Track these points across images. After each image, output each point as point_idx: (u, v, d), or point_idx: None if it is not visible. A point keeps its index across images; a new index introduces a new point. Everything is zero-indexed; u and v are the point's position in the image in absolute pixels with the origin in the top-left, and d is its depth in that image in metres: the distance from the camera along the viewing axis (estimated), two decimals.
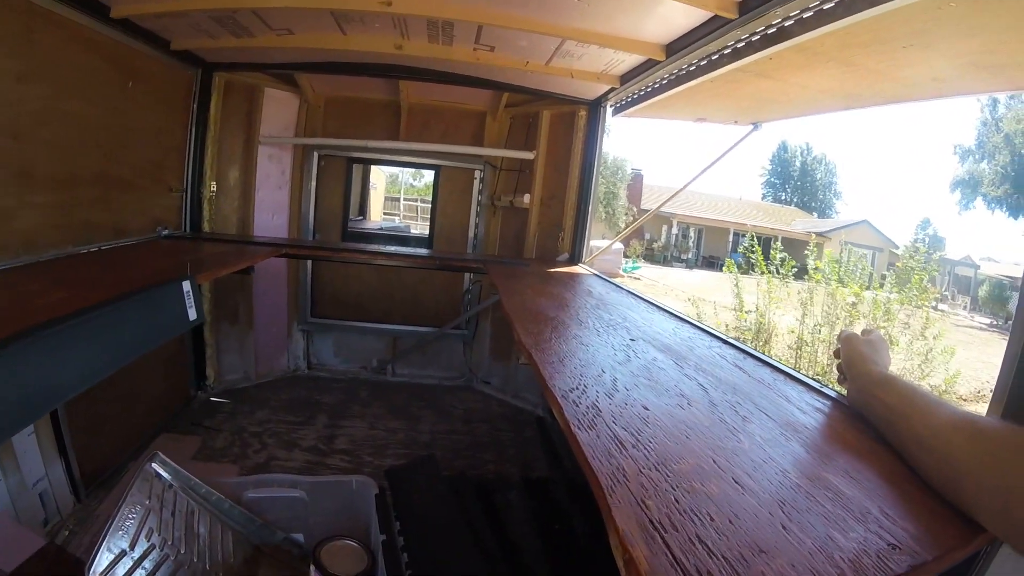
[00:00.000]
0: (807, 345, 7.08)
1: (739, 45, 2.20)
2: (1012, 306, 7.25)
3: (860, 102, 2.76)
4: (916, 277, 6.97)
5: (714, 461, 0.95)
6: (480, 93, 3.96)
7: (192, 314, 2.08)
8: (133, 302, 1.76)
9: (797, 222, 34.36)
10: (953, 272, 30.52)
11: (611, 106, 3.67)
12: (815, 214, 42.66)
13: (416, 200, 18.30)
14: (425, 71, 3.40)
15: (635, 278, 18.67)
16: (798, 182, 47.75)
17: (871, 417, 1.14)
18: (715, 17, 2.09)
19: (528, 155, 4.03)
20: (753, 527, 0.75)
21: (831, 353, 1.51)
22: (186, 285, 2.05)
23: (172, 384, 3.65)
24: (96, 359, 1.56)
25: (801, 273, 7.92)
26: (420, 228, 11.85)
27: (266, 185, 4.12)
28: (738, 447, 1.02)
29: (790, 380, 1.52)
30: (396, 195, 17.29)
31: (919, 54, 2.00)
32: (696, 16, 2.19)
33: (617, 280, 3.51)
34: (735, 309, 8.12)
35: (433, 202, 4.55)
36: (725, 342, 1.94)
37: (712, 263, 30.33)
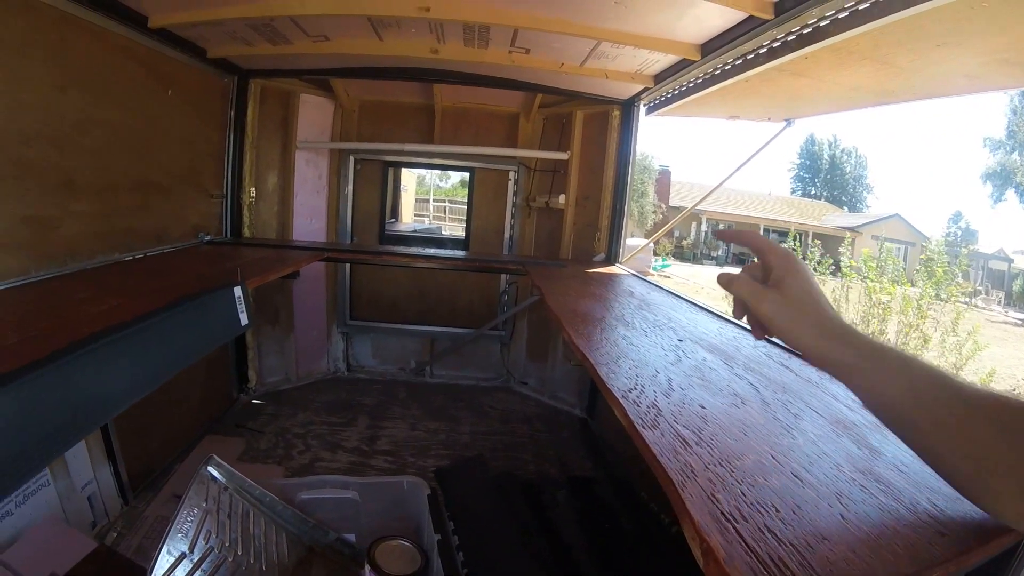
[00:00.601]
0: None
1: (774, 45, 2.19)
2: None
3: (892, 98, 2.74)
4: (939, 269, 6.85)
5: (772, 457, 0.97)
6: (513, 94, 3.97)
7: (243, 319, 2.11)
8: (187, 308, 1.78)
9: (827, 217, 33.92)
10: (986, 266, 30.00)
11: (644, 105, 3.66)
12: (845, 208, 42.01)
13: (444, 201, 18.36)
14: (459, 74, 3.41)
15: (665, 276, 18.52)
16: (827, 175, 47.09)
17: (846, 382, 0.82)
18: (750, 18, 2.08)
19: (562, 156, 4.04)
20: (814, 517, 0.79)
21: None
22: (237, 290, 2.09)
23: (215, 387, 3.71)
24: (153, 366, 1.58)
25: (834, 269, 7.86)
26: (450, 229, 11.91)
27: (304, 189, 4.17)
28: (793, 444, 1.05)
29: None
30: (425, 196, 17.36)
31: (951, 51, 1.98)
32: (731, 16, 2.18)
33: (637, 272, 3.52)
34: None
35: (469, 204, 4.57)
36: (770, 342, 1.94)
37: (742, 260, 30.05)
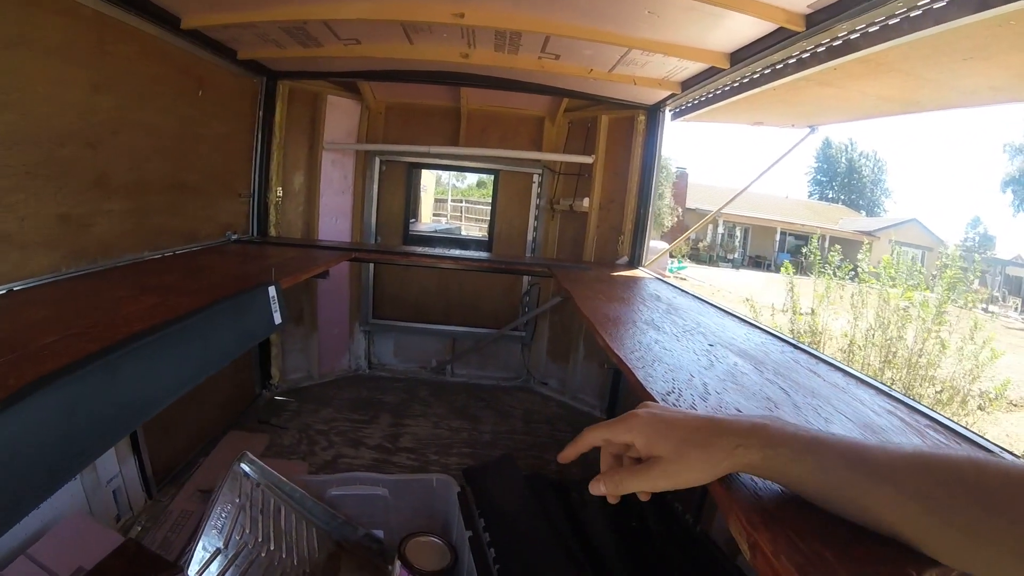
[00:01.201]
0: (860, 349, 6.96)
1: (804, 56, 2.21)
2: None
3: (917, 108, 2.74)
4: (947, 273, 6.79)
5: None
6: (539, 98, 3.98)
7: (277, 318, 2.15)
8: (224, 308, 1.81)
9: (844, 220, 33.67)
10: (1004, 272, 29.74)
11: (670, 111, 3.67)
12: (863, 212, 41.72)
13: (461, 201, 18.40)
14: (487, 78, 3.43)
15: (681, 278, 18.48)
16: (845, 179, 46.72)
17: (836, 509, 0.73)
18: (781, 29, 2.09)
19: (587, 159, 4.06)
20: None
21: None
22: (272, 290, 2.13)
23: (239, 383, 3.76)
24: (193, 365, 1.61)
25: (852, 273, 7.82)
26: (466, 229, 11.93)
27: (329, 190, 4.21)
28: None
29: (861, 384, 1.56)
30: (443, 196, 17.40)
31: (979, 65, 2.00)
32: (762, 28, 2.19)
33: (661, 276, 3.54)
34: (786, 310, 7.99)
35: (493, 206, 4.59)
36: (796, 347, 1.96)
37: (758, 263, 29.99)
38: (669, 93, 3.28)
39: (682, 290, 3.02)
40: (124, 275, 2.27)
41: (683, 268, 22.03)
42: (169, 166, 2.81)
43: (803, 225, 29.81)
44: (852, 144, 47.13)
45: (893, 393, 1.47)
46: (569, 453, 0.92)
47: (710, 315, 2.41)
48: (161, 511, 2.53)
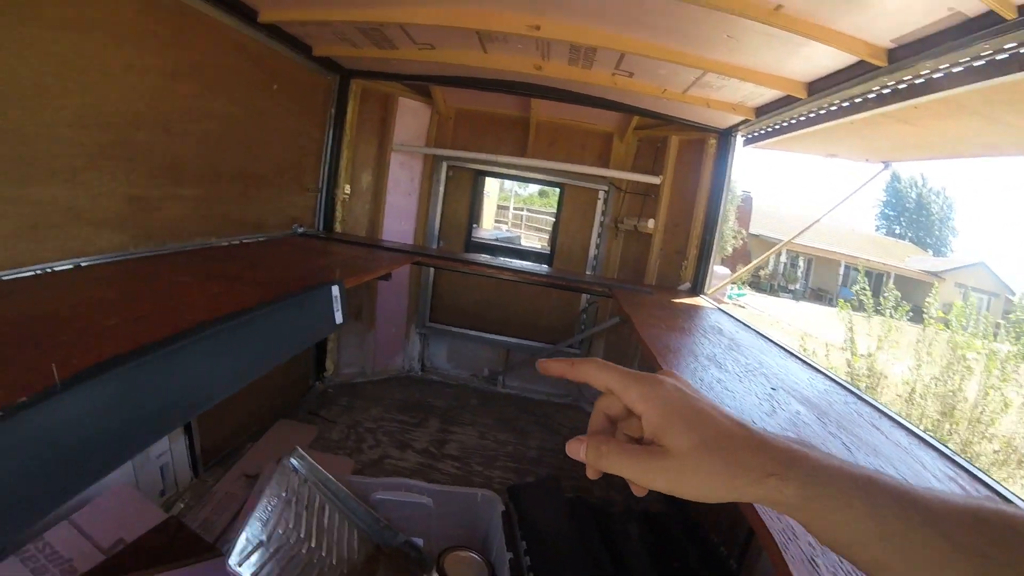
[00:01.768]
0: (921, 399, 6.72)
1: (884, 91, 2.15)
2: None
3: (995, 151, 2.66)
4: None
5: None
6: (609, 114, 3.94)
7: (338, 317, 2.16)
8: (288, 304, 1.83)
9: (911, 259, 32.71)
10: None
11: (742, 136, 3.59)
12: (930, 251, 40.45)
13: (523, 209, 18.41)
14: (559, 90, 3.42)
15: (740, 306, 18.16)
16: (913, 215, 45.21)
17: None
18: (861, 62, 2.04)
19: (654, 180, 4.01)
20: None
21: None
22: (335, 289, 2.14)
23: (293, 373, 3.82)
24: (250, 360, 1.63)
25: (916, 315, 7.59)
26: (526, 238, 11.93)
27: (396, 191, 4.26)
28: None
29: (924, 445, 1.51)
30: (505, 203, 17.42)
31: None
32: (842, 59, 2.15)
33: (724, 307, 3.46)
34: (843, 348, 7.76)
35: (556, 219, 4.57)
36: (860, 398, 1.91)
37: (820, 296, 29.28)
38: (742, 119, 3.21)
39: (744, 324, 2.94)
40: (189, 260, 2.32)
41: (742, 295, 21.66)
42: (241, 156, 2.88)
43: (868, 260, 29.09)
44: (924, 179, 45.79)
45: (956, 458, 1.43)
46: (552, 367, 0.69)
47: (773, 355, 2.34)
48: (205, 491, 2.58)
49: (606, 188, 4.33)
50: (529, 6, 2.38)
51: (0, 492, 0.84)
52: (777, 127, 3.10)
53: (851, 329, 7.52)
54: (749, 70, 2.52)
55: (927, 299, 7.54)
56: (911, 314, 7.54)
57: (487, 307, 4.64)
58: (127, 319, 1.37)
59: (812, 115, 2.71)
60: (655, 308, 3.00)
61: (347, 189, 3.95)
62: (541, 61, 3.00)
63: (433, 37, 2.90)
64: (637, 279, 4.21)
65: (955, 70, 1.80)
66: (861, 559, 0.57)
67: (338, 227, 3.95)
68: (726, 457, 0.57)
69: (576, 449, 0.64)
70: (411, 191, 4.37)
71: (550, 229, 5.16)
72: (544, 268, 4.39)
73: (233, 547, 1.79)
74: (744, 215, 27.07)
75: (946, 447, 1.49)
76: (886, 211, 46.65)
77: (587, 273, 4.44)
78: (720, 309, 3.35)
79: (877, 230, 44.49)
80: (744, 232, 25.58)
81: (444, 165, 4.37)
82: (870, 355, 7.33)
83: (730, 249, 23.49)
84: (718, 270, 4.62)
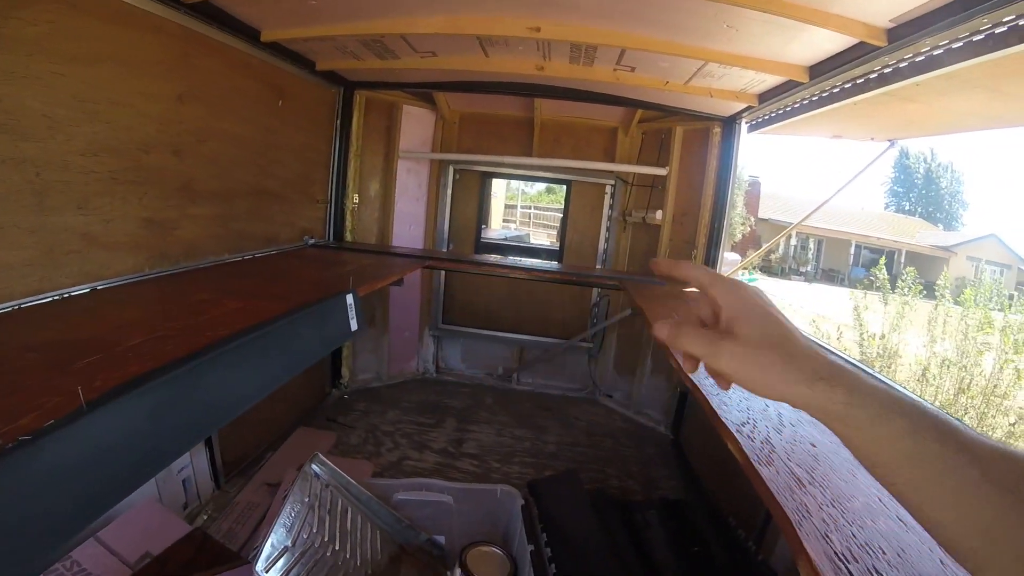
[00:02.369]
0: (934, 378, 6.69)
1: (886, 71, 2.15)
2: None
3: (1002, 123, 2.65)
4: None
5: (879, 500, 0.97)
6: (613, 109, 3.97)
7: (353, 324, 2.20)
8: (304, 315, 1.86)
9: (921, 234, 32.32)
10: None
11: (746, 123, 3.59)
12: (940, 226, 39.85)
13: (530, 207, 18.41)
14: (561, 89, 3.44)
15: None
16: (922, 191, 44.57)
17: (833, 429, 0.64)
18: (861, 43, 2.04)
19: (660, 171, 4.02)
20: (917, 560, 0.81)
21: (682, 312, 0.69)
22: (349, 298, 2.18)
23: (310, 381, 3.88)
24: (270, 371, 1.66)
25: (929, 291, 7.55)
26: (535, 235, 11.93)
27: (404, 197, 4.31)
28: None
29: None
30: (512, 202, 17.40)
31: None
32: (842, 42, 2.14)
33: None
34: (856, 327, 7.71)
35: (564, 216, 4.60)
36: (873, 376, 1.92)
37: (832, 277, 29.07)
38: (746, 105, 3.22)
39: None
40: (207, 276, 2.38)
41: (754, 280, 21.49)
42: (251, 173, 2.93)
43: (880, 239, 28.82)
44: (932, 154, 45.25)
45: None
46: (662, 266, 0.75)
47: None
48: (228, 502, 2.63)
49: (612, 182, 4.35)
50: (528, 9, 2.40)
51: (32, 514, 0.88)
52: (780, 112, 3.10)
53: (859, 311, 7.49)
54: (750, 58, 2.53)
55: (940, 277, 7.51)
56: (924, 292, 7.49)
57: (499, 306, 4.68)
58: (150, 338, 1.41)
59: (815, 98, 2.71)
60: (667, 299, 3.02)
61: (356, 198, 4.00)
62: (542, 61, 3.01)
63: (434, 45, 2.93)
64: (648, 271, 4.20)
65: (955, 46, 1.80)
66: (895, 480, 0.62)
67: (348, 236, 4.00)
68: (784, 355, 0.63)
69: (661, 330, 0.70)
70: (419, 196, 4.41)
71: (558, 225, 5.18)
72: (554, 265, 4.41)
73: (260, 553, 1.84)
74: (752, 201, 26.93)
75: (960, 422, 1.49)
76: (895, 188, 46.14)
77: (597, 267, 4.46)
78: None
79: (886, 207, 44.01)
80: (752, 219, 25.47)
81: (451, 169, 4.41)
82: (883, 336, 7.30)
83: (739, 235, 23.40)
84: (728, 257, 4.61)
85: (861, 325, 7.50)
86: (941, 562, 0.81)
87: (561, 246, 4.65)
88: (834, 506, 0.94)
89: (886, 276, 7.64)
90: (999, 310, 6.84)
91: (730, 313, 0.67)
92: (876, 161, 3.41)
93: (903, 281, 7.48)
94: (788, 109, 3.00)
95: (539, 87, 3.46)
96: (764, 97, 3.04)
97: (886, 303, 7.51)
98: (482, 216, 4.80)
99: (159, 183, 2.28)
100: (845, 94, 2.48)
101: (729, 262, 4.32)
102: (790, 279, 27.11)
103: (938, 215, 43.13)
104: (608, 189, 4.39)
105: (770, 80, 2.78)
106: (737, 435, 1.20)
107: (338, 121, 3.80)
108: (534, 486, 2.70)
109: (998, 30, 1.63)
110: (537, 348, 4.65)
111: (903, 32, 1.90)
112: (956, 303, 7.09)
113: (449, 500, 2.38)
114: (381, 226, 4.26)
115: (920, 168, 45.11)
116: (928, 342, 6.95)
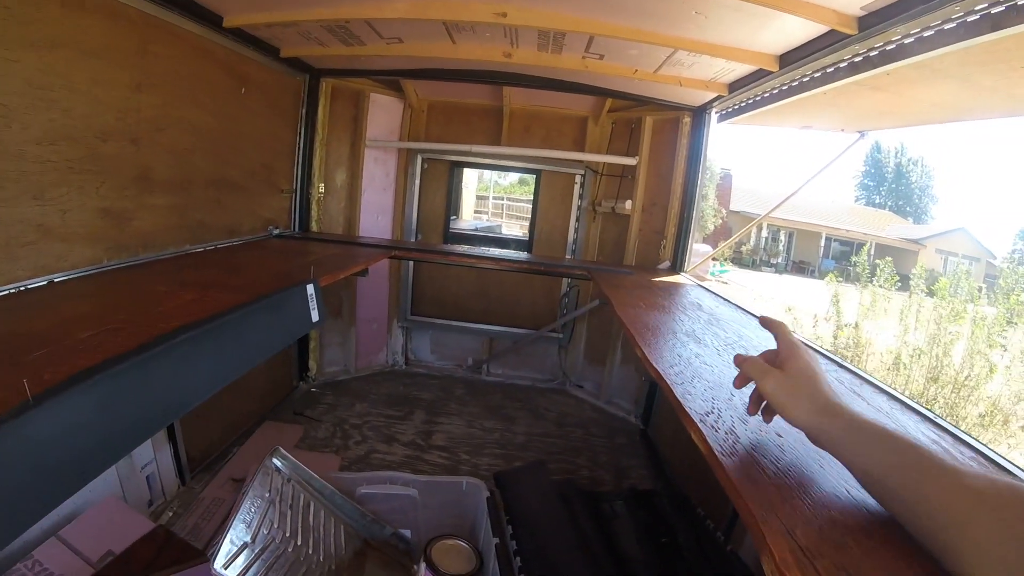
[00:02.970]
0: (905, 368, 6.78)
1: (856, 60, 2.14)
2: None
3: (971, 115, 2.66)
4: (1012, 299, 6.58)
5: (847, 491, 0.95)
6: (583, 98, 3.92)
7: (315, 315, 2.15)
8: (262, 306, 1.81)
9: (891, 227, 32.90)
10: None
11: (716, 113, 3.58)
12: (910, 219, 40.60)
13: (503, 198, 18.40)
14: (530, 77, 3.41)
15: (723, 282, 18.23)
16: (893, 184, 45.32)
17: (836, 455, 0.92)
18: (832, 31, 2.04)
19: (630, 161, 4.00)
20: (887, 556, 0.79)
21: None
22: (310, 288, 2.13)
23: (276, 374, 3.82)
24: (229, 362, 1.62)
25: (904, 282, 7.65)
26: (507, 227, 11.92)
27: (372, 187, 4.24)
28: None
29: (906, 409, 1.51)
30: (484, 193, 17.38)
31: None
32: (812, 30, 2.13)
33: (706, 283, 3.47)
34: (829, 319, 7.81)
35: (534, 206, 4.56)
36: (841, 366, 1.91)
37: (802, 268, 29.46)
38: (716, 95, 3.21)
39: (725, 299, 2.95)
40: (165, 268, 2.30)
41: (725, 272, 21.74)
42: (212, 162, 2.85)
43: (849, 231, 29.24)
44: (902, 148, 45.92)
45: (939, 421, 1.41)
46: (764, 322, 1.17)
47: (753, 327, 2.34)
48: (193, 498, 2.58)
49: (582, 172, 4.32)
50: None
51: None
52: (751, 101, 3.09)
53: (837, 298, 7.57)
54: (719, 46, 2.52)
55: (912, 271, 7.61)
56: (899, 284, 7.59)
57: (468, 297, 4.64)
58: (102, 331, 1.37)
59: (785, 87, 2.70)
60: (635, 288, 3.00)
61: (321, 188, 3.93)
62: (510, 48, 2.97)
63: (400, 31, 2.87)
64: (617, 261, 4.21)
65: (926, 34, 1.79)
66: (875, 486, 0.85)
67: (314, 226, 3.94)
68: (807, 390, 0.97)
69: (739, 357, 1.11)
70: (387, 186, 4.35)
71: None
72: (523, 255, 4.38)
73: (218, 550, 1.79)
74: (724, 193, 27.18)
75: (929, 411, 1.49)
76: (866, 182, 46.88)
77: (567, 257, 4.44)
78: (701, 286, 3.36)
79: (857, 201, 44.72)
80: (724, 210, 25.68)
81: (419, 158, 4.35)
82: (856, 327, 7.39)
83: (711, 227, 23.59)
84: (699, 248, 4.62)
85: (839, 314, 7.59)
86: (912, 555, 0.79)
87: (531, 236, 4.62)
88: (800, 499, 0.92)
89: (866, 262, 7.73)
90: (970, 301, 6.95)
91: (784, 355, 1.04)
92: (846, 152, 3.43)
93: (881, 271, 7.58)
94: (758, 98, 2.99)
95: (507, 75, 3.42)
96: (734, 86, 3.03)
97: (863, 290, 7.61)
98: (451, 206, 4.74)
99: (116, 172, 2.20)
100: (815, 83, 2.47)
101: (700, 253, 4.32)
102: (761, 270, 27.47)
103: (908, 209, 43.95)
104: (578, 179, 4.36)
105: (740, 69, 2.77)
106: (701, 425, 1.18)
107: (303, 109, 3.72)
108: (500, 478, 2.68)
109: (970, 18, 1.63)
110: (507, 339, 4.62)
111: (874, 20, 1.89)
112: (928, 293, 7.19)
113: (414, 493, 2.36)
114: (348, 216, 4.19)
115: (891, 162, 45.82)
116: (901, 332, 7.04)
